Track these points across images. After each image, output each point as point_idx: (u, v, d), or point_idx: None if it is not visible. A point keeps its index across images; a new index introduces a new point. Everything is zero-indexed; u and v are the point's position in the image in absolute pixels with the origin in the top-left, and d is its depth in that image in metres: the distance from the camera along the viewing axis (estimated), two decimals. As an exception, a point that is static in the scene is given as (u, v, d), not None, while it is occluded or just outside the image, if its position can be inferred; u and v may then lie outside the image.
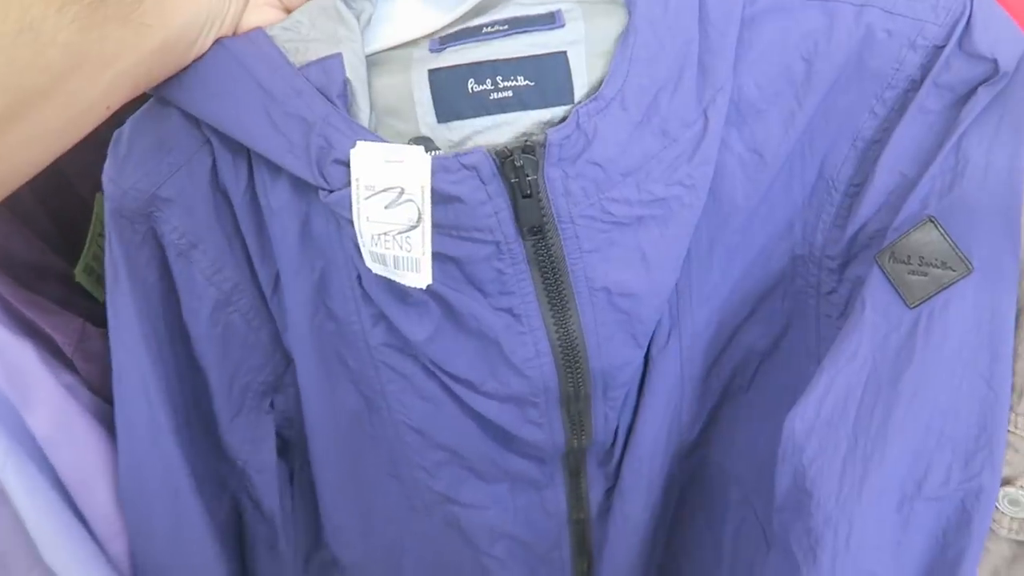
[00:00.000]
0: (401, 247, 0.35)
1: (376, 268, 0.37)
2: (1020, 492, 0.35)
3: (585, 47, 0.36)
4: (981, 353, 0.33)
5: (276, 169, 0.38)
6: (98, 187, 0.45)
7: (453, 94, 0.37)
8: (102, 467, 0.45)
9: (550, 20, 0.36)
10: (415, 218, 0.34)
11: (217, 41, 0.35)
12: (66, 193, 0.47)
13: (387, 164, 0.34)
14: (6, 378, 0.42)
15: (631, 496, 0.50)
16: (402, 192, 0.34)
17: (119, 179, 0.38)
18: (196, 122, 0.37)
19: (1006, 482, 0.35)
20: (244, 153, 0.39)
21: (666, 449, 0.49)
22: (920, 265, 0.34)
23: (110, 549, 0.47)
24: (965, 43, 0.33)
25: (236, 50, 0.35)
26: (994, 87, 0.32)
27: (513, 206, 0.36)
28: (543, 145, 0.34)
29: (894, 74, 0.35)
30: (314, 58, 0.35)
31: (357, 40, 0.36)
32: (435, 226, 0.35)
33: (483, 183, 0.35)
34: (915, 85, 0.35)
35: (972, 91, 0.33)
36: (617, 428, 0.48)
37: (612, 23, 0.36)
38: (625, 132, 0.34)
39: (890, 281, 0.35)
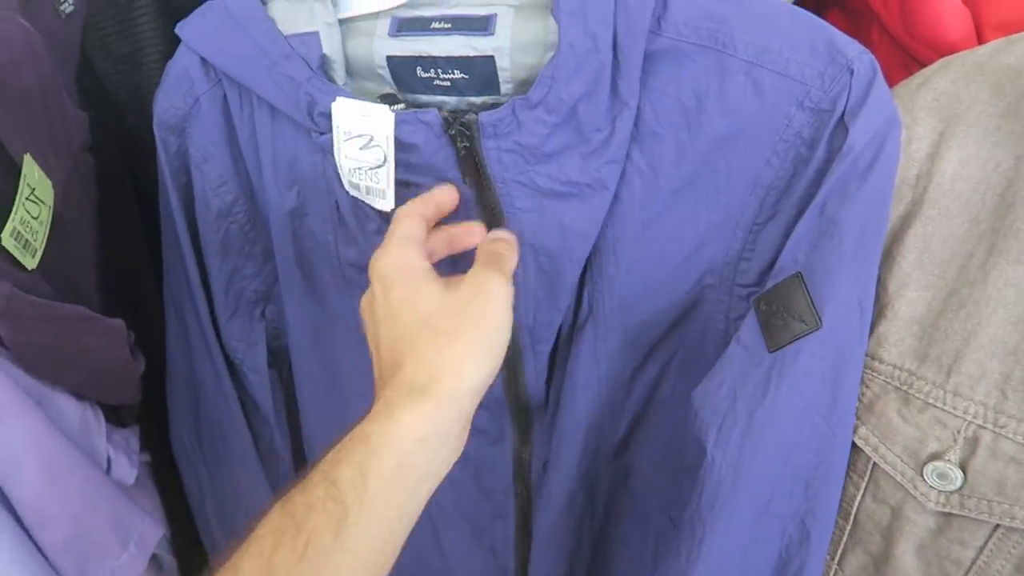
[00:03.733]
0: (372, 180, 0.46)
1: (353, 192, 0.48)
2: (948, 466, 0.38)
3: (509, 53, 0.44)
4: (823, 397, 0.39)
5: (273, 109, 0.49)
6: (28, 147, 0.46)
7: (406, 76, 0.46)
8: (32, 449, 0.45)
9: (484, 26, 0.44)
10: (382, 159, 0.44)
11: (221, 4, 0.47)
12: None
13: (360, 116, 0.43)
14: None
15: (556, 470, 0.57)
16: (372, 139, 0.44)
17: (163, 99, 0.51)
18: (212, 65, 0.50)
19: (934, 457, 0.38)
20: (248, 94, 0.50)
21: (587, 432, 0.55)
22: (784, 314, 0.39)
23: (39, 536, 0.47)
24: (846, 113, 0.37)
25: (239, 16, 0.46)
26: (845, 157, 0.36)
27: (457, 159, 0.44)
28: (476, 123, 0.43)
29: (784, 129, 0.39)
30: (298, 31, 0.45)
31: (331, 18, 0.45)
32: (399, 163, 0.45)
33: (435, 136, 0.44)
34: (805, 141, 0.39)
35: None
36: (548, 395, 0.56)
37: (536, 28, 0.43)
38: (547, 128, 0.42)
39: (760, 324, 0.40)
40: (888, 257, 0.40)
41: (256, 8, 0.47)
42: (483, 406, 0.56)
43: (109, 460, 0.56)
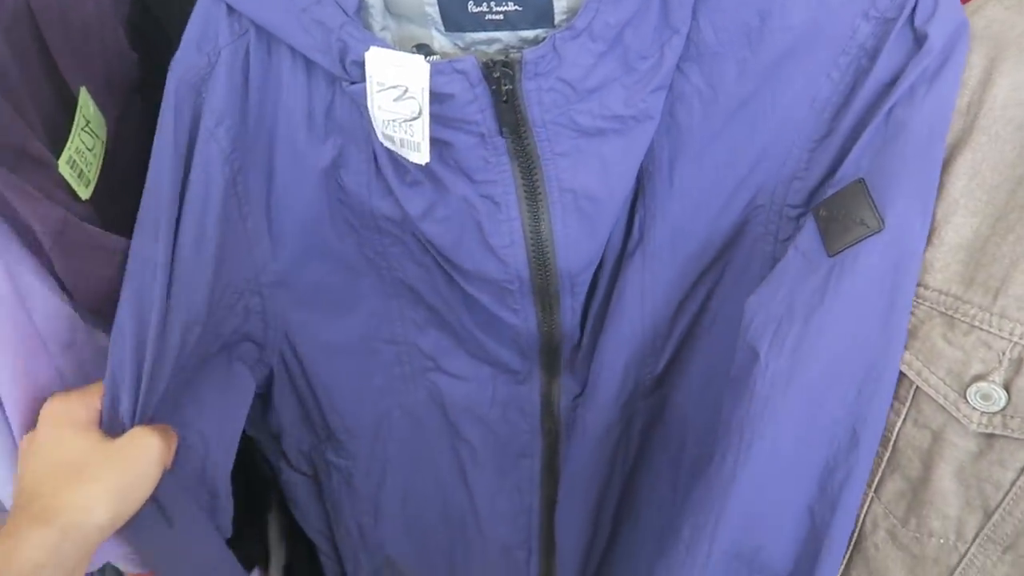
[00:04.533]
0: (406, 132, 0.45)
1: (387, 144, 0.47)
2: (991, 387, 0.38)
3: None
4: (881, 301, 0.39)
5: (307, 61, 0.47)
6: (85, 80, 0.47)
7: (456, 11, 0.46)
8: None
9: None
10: (416, 111, 0.43)
11: None
12: (55, 82, 0.46)
13: (395, 67, 0.43)
14: None
15: (593, 404, 0.58)
16: (406, 90, 0.43)
17: (184, 57, 0.47)
18: (238, 15, 0.47)
19: (978, 378, 0.39)
20: (278, 47, 0.48)
21: (626, 366, 0.56)
22: (845, 219, 0.39)
23: None
24: (914, 18, 0.38)
25: None
26: (921, 61, 0.37)
27: (494, 107, 0.44)
28: (520, 62, 0.42)
29: (848, 41, 0.40)
30: None
31: None
32: (433, 116, 0.44)
33: (471, 85, 0.43)
34: (867, 52, 0.40)
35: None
36: (584, 328, 0.56)
37: None
38: (591, 58, 0.42)
39: (819, 230, 0.41)
40: (937, 184, 0.41)
41: None
42: (514, 347, 0.58)
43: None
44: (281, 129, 0.50)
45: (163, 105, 0.47)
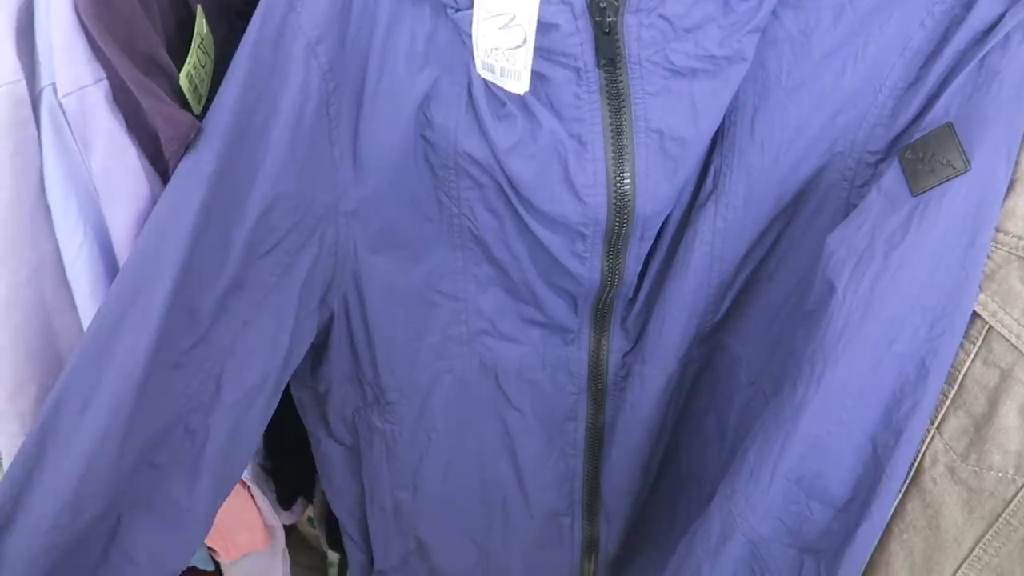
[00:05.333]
0: (508, 61, 0.46)
1: (485, 74, 0.48)
2: None
3: None
4: (962, 239, 0.42)
5: None
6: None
7: None
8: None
9: None
10: (521, 40, 0.45)
11: None
12: (178, 2, 0.49)
13: None
14: (102, 170, 0.45)
15: (651, 358, 0.60)
16: (513, 18, 0.45)
17: None
18: None
19: None
20: None
21: (690, 316, 0.58)
22: (931, 160, 0.42)
23: None
24: None
25: None
26: (1019, 12, 0.39)
27: (595, 39, 0.46)
28: None
29: None
30: None
31: None
32: (535, 48, 0.45)
33: (575, 17, 0.45)
34: (961, 2, 0.41)
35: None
36: (643, 278, 0.58)
37: None
38: None
39: (904, 172, 0.43)
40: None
41: None
42: (569, 301, 0.59)
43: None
44: (376, 57, 0.51)
45: (255, 14, 0.47)
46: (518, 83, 0.47)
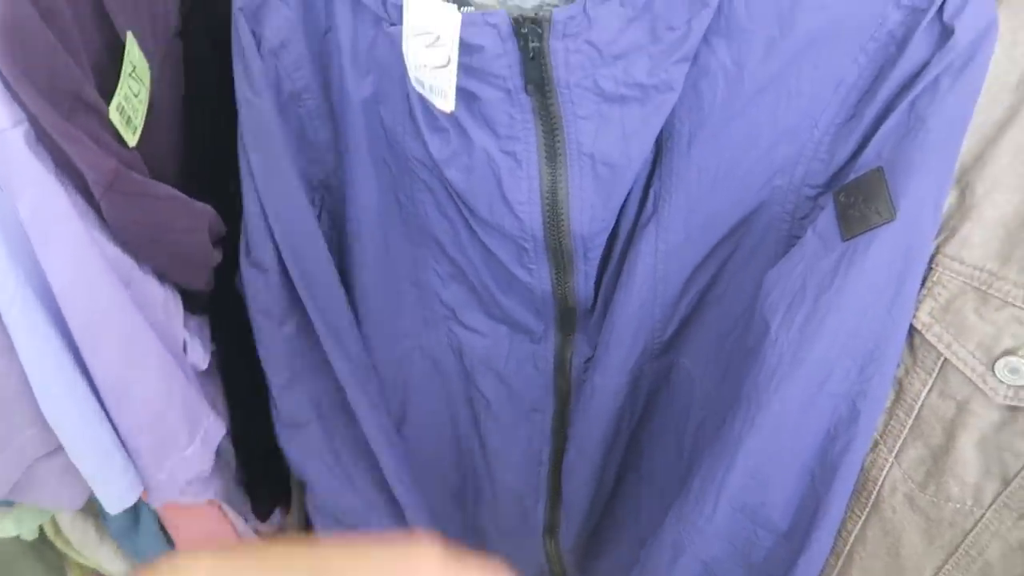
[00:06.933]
0: (435, 79, 0.47)
1: (417, 87, 0.49)
2: (1021, 361, 0.41)
3: None
4: (889, 288, 0.43)
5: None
6: (131, 24, 0.49)
7: None
8: (115, 327, 0.47)
9: None
10: (446, 60, 0.46)
11: None
12: (103, 26, 0.48)
13: (429, 13, 0.45)
14: (31, 215, 0.44)
15: (603, 368, 0.61)
16: (438, 38, 0.45)
17: None
18: None
19: (1008, 352, 0.41)
20: None
21: (636, 333, 0.59)
22: (861, 206, 0.42)
23: (116, 417, 0.49)
24: (943, 11, 0.39)
25: None
26: (945, 56, 0.39)
27: (522, 63, 0.46)
28: (549, 21, 0.44)
29: (877, 28, 0.42)
30: None
31: None
32: (463, 66, 0.46)
33: (501, 40, 0.45)
34: (896, 41, 0.42)
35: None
36: (597, 295, 0.59)
37: None
38: (620, 23, 0.44)
39: (837, 215, 0.43)
40: (980, 161, 0.42)
41: None
42: (530, 307, 0.61)
43: (185, 344, 0.61)
44: (334, 59, 0.54)
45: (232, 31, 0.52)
46: (445, 101, 0.47)
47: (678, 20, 0.44)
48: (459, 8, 0.44)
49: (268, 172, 0.55)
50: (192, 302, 0.63)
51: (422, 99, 0.51)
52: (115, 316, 0.49)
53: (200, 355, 0.63)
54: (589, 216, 0.52)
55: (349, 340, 0.60)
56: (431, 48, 0.46)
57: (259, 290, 0.59)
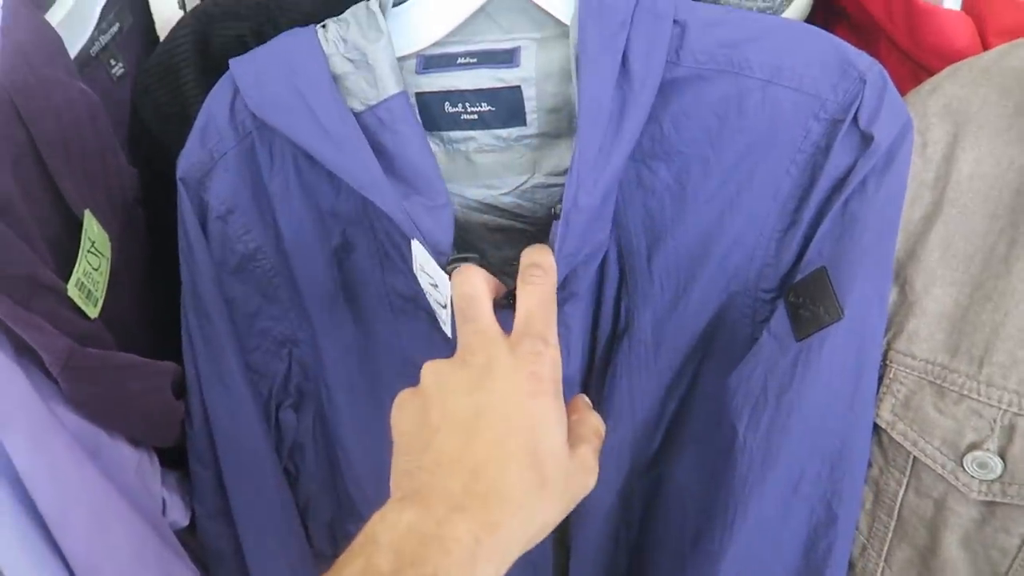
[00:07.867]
0: (436, 305, 0.49)
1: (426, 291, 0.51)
2: (987, 455, 0.40)
3: (535, 82, 0.49)
4: (847, 385, 0.43)
5: (308, 160, 0.51)
6: (88, 203, 0.51)
7: (434, 112, 0.51)
8: (83, 503, 0.46)
9: (509, 58, 0.49)
10: (445, 301, 0.47)
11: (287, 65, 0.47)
12: (60, 208, 0.50)
13: (429, 264, 0.46)
14: None
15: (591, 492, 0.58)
16: (437, 286, 0.47)
17: (188, 157, 0.52)
18: (241, 116, 0.51)
19: (973, 447, 0.41)
20: (280, 146, 0.52)
21: (620, 449, 0.59)
22: (810, 305, 0.43)
23: None
24: (858, 119, 0.41)
25: (301, 87, 0.46)
26: (869, 159, 0.40)
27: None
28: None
29: (802, 141, 0.44)
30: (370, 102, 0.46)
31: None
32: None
33: None
34: (821, 150, 0.44)
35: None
36: None
37: (558, 57, 0.48)
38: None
39: (789, 315, 0.43)
40: (913, 257, 0.44)
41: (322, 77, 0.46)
42: None
43: (164, 503, 0.60)
44: (285, 219, 0.55)
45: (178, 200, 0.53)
46: (445, 326, 0.50)
47: None
48: (445, 269, 0.45)
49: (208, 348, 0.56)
50: (169, 455, 0.62)
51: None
52: (82, 492, 0.48)
53: (180, 512, 0.62)
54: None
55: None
56: (434, 287, 0.48)
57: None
